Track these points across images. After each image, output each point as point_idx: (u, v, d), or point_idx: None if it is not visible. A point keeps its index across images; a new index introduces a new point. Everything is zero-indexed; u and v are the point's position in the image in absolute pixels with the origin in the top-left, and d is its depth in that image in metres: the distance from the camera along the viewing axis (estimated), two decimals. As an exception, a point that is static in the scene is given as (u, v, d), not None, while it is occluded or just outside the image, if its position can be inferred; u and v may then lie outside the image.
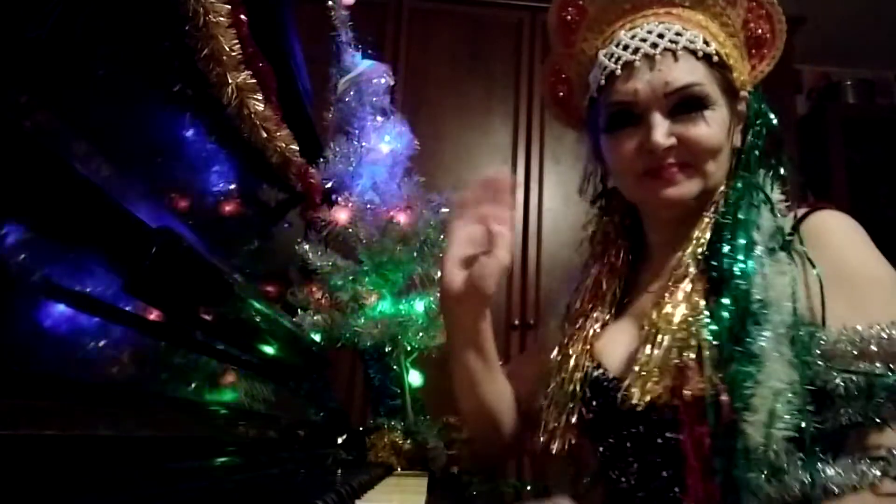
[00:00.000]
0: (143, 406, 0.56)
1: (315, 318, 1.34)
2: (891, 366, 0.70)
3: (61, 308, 0.50)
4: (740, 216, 0.82)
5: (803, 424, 0.70)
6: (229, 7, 0.91)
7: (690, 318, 0.77)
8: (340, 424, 1.40)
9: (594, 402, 0.85)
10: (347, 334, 1.34)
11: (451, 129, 2.56)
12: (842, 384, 0.71)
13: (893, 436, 0.71)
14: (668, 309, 0.79)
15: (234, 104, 0.97)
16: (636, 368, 0.77)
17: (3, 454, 0.36)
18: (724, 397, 0.71)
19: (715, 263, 0.80)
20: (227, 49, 0.91)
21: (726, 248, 0.80)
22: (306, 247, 1.37)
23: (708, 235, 0.84)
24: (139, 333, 0.62)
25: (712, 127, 0.82)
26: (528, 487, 1.80)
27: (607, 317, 0.91)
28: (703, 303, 0.78)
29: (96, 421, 0.46)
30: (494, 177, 0.86)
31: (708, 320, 0.76)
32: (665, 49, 0.81)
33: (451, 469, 1.31)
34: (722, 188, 0.87)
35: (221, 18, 0.89)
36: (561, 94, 1.02)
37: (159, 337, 0.67)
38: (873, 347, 0.71)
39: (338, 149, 1.44)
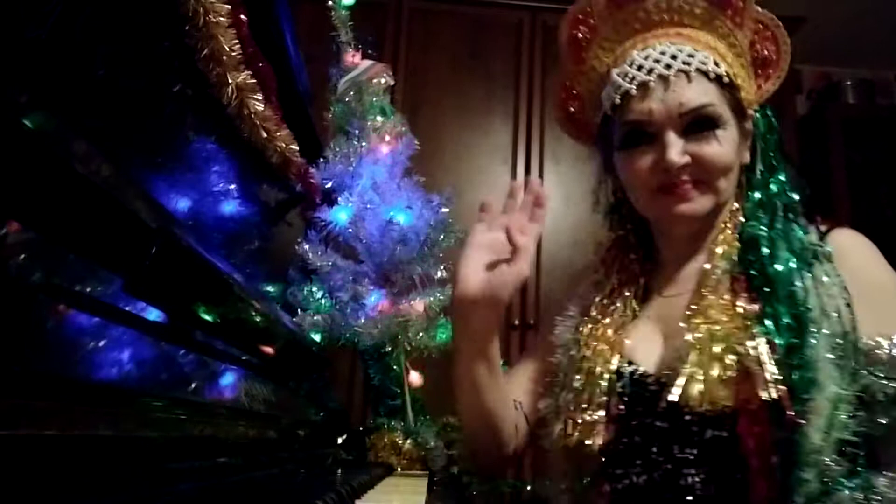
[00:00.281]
0: (143, 406, 0.56)
1: (315, 318, 1.34)
2: None
3: (61, 308, 0.50)
4: (777, 226, 0.86)
5: (856, 431, 0.74)
6: (229, 7, 0.91)
7: (741, 326, 0.79)
8: (340, 424, 1.40)
9: (625, 399, 0.85)
10: (347, 334, 1.34)
11: (451, 129, 2.56)
12: (883, 391, 0.75)
13: None
14: (712, 315, 0.81)
15: (234, 104, 0.97)
16: (687, 370, 0.79)
17: (3, 454, 0.36)
18: (787, 402, 0.73)
19: (762, 276, 0.82)
20: (227, 49, 0.91)
21: (772, 258, 0.83)
22: (306, 247, 1.37)
23: (732, 248, 0.87)
24: (139, 333, 0.62)
25: (724, 145, 0.85)
26: (528, 487, 1.80)
27: (629, 319, 0.93)
28: (749, 309, 0.80)
29: (96, 421, 0.46)
30: (530, 187, 0.86)
31: (764, 328, 0.78)
32: (679, 70, 0.84)
33: (451, 469, 1.31)
34: (734, 203, 0.91)
35: (221, 18, 0.89)
36: (571, 109, 1.05)
37: (159, 337, 0.66)
38: None
39: (338, 149, 1.44)
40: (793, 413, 0.73)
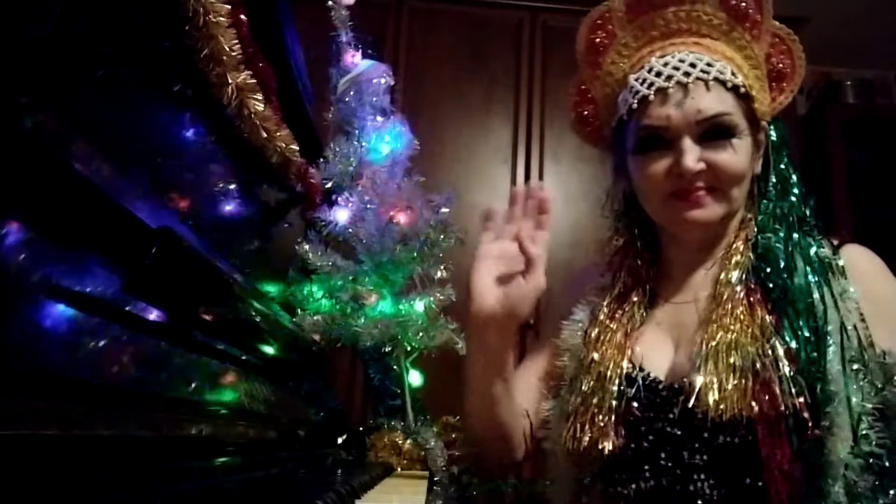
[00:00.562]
0: (143, 406, 0.56)
1: (315, 318, 1.34)
2: None
3: (61, 308, 0.50)
4: (794, 238, 0.88)
5: (880, 444, 0.75)
6: (229, 7, 0.91)
7: (758, 336, 0.80)
8: (340, 424, 1.40)
9: (636, 404, 0.86)
10: (347, 334, 1.34)
11: (451, 129, 2.56)
12: None
13: None
14: (729, 324, 0.82)
15: (234, 104, 0.97)
16: (702, 379, 0.79)
17: (3, 454, 0.36)
18: (806, 414, 0.74)
19: (779, 289, 0.83)
20: (227, 49, 0.91)
21: (789, 271, 0.84)
22: (306, 247, 1.37)
23: (745, 258, 0.88)
24: (139, 333, 0.62)
25: (739, 154, 0.86)
26: (529, 487, 1.80)
27: (637, 323, 0.93)
28: (767, 320, 0.81)
29: (96, 421, 0.46)
30: (533, 192, 0.85)
31: (783, 340, 0.79)
32: (697, 78, 0.85)
33: (451, 469, 1.31)
34: (746, 212, 0.92)
35: (221, 18, 0.89)
36: (585, 112, 1.05)
37: (159, 337, 0.66)
38: None
39: (338, 149, 1.44)
40: (812, 426, 0.74)
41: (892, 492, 0.75)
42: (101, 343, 0.54)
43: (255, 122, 1.02)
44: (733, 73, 0.87)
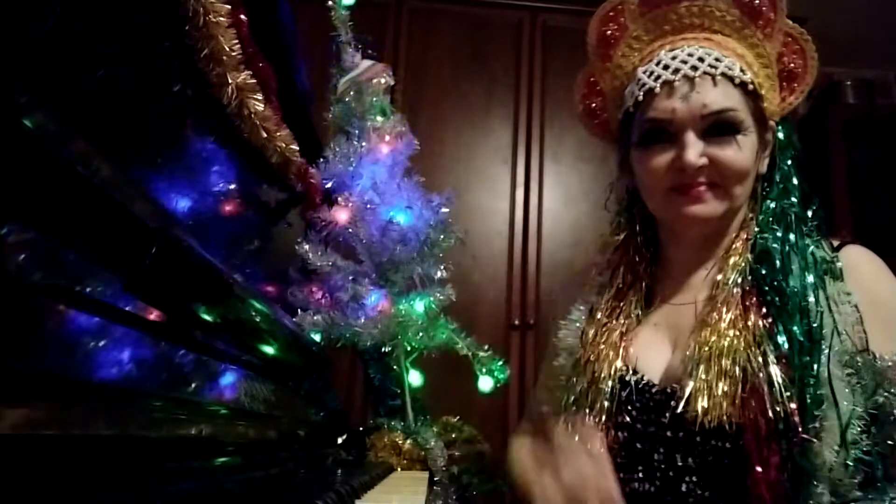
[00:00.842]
0: (143, 406, 0.56)
1: (315, 318, 1.34)
2: None
3: (61, 308, 0.50)
4: (791, 239, 0.86)
5: (869, 448, 0.74)
6: (229, 7, 0.91)
7: (751, 341, 0.79)
8: (340, 424, 1.40)
9: (628, 406, 0.85)
10: (347, 334, 1.34)
11: (451, 129, 2.56)
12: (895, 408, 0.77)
13: None
14: (722, 328, 0.81)
15: (234, 104, 0.97)
16: (692, 384, 0.79)
17: (3, 454, 0.36)
18: (796, 419, 0.74)
19: (775, 290, 0.82)
20: (227, 49, 0.91)
21: (784, 273, 0.83)
22: (306, 247, 1.37)
23: (744, 258, 0.87)
24: (139, 333, 0.62)
25: (743, 151, 0.85)
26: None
27: (633, 323, 0.93)
28: (760, 324, 0.80)
29: (96, 421, 0.46)
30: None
31: (776, 344, 0.78)
32: (704, 72, 0.84)
33: (451, 469, 1.31)
34: (748, 212, 0.91)
35: (221, 18, 0.89)
36: (593, 105, 1.05)
37: (159, 337, 0.66)
38: None
39: (338, 149, 1.44)
40: (801, 432, 0.73)
41: (880, 489, 0.75)
42: (101, 343, 0.54)
43: (255, 122, 1.02)
44: (742, 70, 0.86)
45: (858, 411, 0.75)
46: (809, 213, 0.91)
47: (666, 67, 0.86)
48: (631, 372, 0.88)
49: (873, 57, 3.24)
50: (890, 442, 0.77)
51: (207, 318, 0.75)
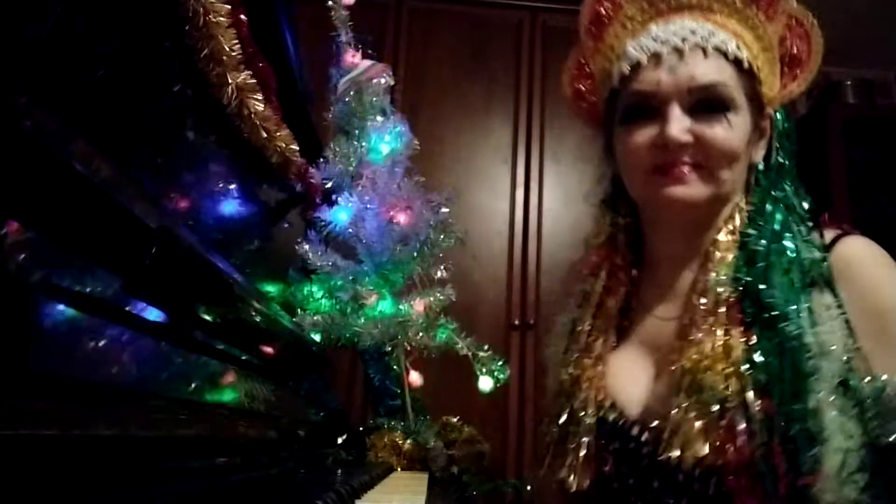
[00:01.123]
0: (143, 406, 0.56)
1: (315, 318, 1.34)
2: None
3: (61, 308, 0.50)
4: (785, 243, 0.77)
5: (869, 489, 0.67)
6: (229, 7, 0.91)
7: (732, 368, 0.70)
8: (340, 424, 1.40)
9: (609, 446, 0.80)
10: (347, 334, 1.34)
11: (451, 129, 2.56)
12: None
13: None
14: (702, 350, 0.73)
15: (234, 104, 0.97)
16: (672, 420, 0.71)
17: (3, 454, 0.36)
18: (778, 461, 0.66)
19: (755, 301, 0.73)
20: (227, 49, 0.91)
21: (766, 284, 0.74)
22: (306, 247, 1.37)
23: (731, 257, 0.79)
24: (139, 333, 0.62)
25: (734, 131, 0.78)
26: (529, 487, 1.80)
27: (613, 339, 0.86)
28: (741, 345, 0.71)
29: (96, 421, 0.46)
30: None
31: (754, 371, 0.69)
32: (696, 44, 0.78)
33: (451, 469, 1.31)
34: (739, 203, 0.83)
35: (221, 18, 0.89)
36: (582, 87, 0.98)
37: (159, 337, 0.66)
38: None
39: (338, 149, 1.44)
40: (789, 473, 0.66)
41: None
42: (101, 343, 0.54)
43: (255, 122, 1.03)
44: (738, 47, 0.79)
45: (857, 444, 0.67)
46: (805, 204, 0.83)
47: (655, 39, 0.80)
48: (608, 406, 0.82)
49: (873, 57, 3.24)
50: None
51: (207, 317, 0.75)
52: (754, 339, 0.71)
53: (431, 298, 1.37)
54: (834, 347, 0.70)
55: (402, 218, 1.37)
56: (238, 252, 1.12)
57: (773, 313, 0.71)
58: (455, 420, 1.40)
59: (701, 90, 0.78)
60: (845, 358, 0.70)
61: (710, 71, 0.78)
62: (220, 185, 1.04)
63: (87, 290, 0.56)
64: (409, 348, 1.39)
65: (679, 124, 0.77)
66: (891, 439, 0.68)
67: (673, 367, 0.75)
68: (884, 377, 0.69)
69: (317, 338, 1.34)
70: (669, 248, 0.87)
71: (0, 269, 0.45)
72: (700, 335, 0.74)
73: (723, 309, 0.75)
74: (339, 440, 1.35)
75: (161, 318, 0.66)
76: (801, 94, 0.90)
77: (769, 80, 0.84)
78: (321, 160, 1.42)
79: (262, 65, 1.06)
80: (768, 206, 0.81)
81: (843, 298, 0.74)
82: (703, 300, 0.77)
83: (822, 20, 0.94)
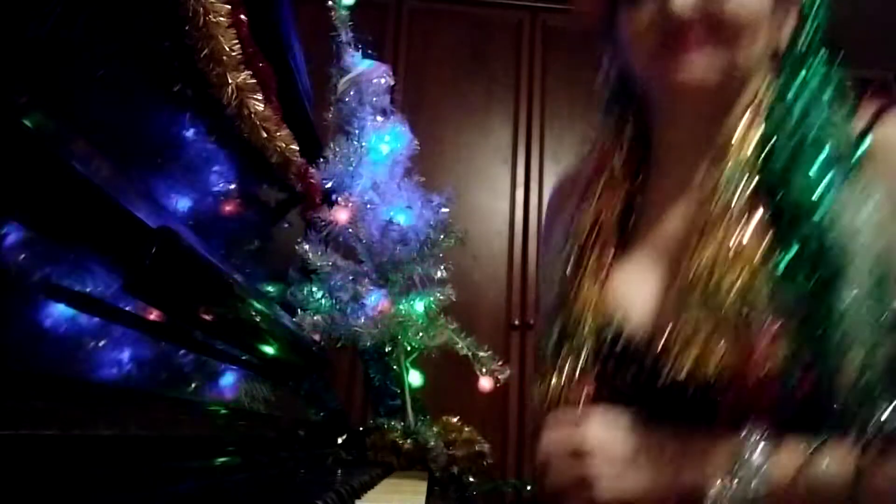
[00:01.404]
0: (143, 406, 0.56)
1: (315, 318, 1.34)
2: None
3: (61, 308, 0.50)
4: (813, 122, 0.65)
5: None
6: (229, 7, 0.91)
7: (752, 269, 0.61)
8: (340, 424, 1.40)
9: (609, 365, 0.70)
10: (347, 334, 1.34)
11: (451, 129, 2.56)
12: None
13: None
14: (719, 249, 0.64)
15: (234, 104, 0.97)
16: (684, 329, 0.62)
17: (3, 454, 0.36)
18: (802, 373, 0.57)
19: (778, 193, 0.64)
20: (227, 49, 0.91)
21: (790, 172, 0.64)
22: (306, 247, 1.37)
23: (751, 147, 0.68)
24: (139, 333, 0.62)
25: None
26: (529, 487, 1.80)
27: (612, 249, 0.76)
28: (763, 243, 0.62)
29: (96, 421, 0.46)
30: None
31: (776, 272, 0.60)
32: None
33: (451, 469, 1.31)
34: (762, 86, 0.71)
35: (221, 18, 0.89)
36: None
37: (159, 337, 0.67)
38: None
39: (338, 149, 1.44)
40: (810, 384, 0.57)
41: None
42: (101, 343, 0.54)
43: (255, 122, 1.03)
44: None
45: (889, 354, 0.57)
46: (841, 79, 0.69)
47: None
48: (611, 322, 0.72)
49: (873, 57, 3.24)
50: None
51: (207, 317, 0.75)
52: (777, 236, 0.63)
53: (431, 298, 1.37)
54: (866, 241, 0.60)
55: (402, 218, 1.37)
56: (238, 252, 1.12)
57: (798, 206, 0.63)
58: (455, 420, 1.40)
59: None
60: (880, 256, 0.60)
61: None
62: (220, 185, 1.04)
63: (87, 290, 0.56)
64: (409, 348, 1.39)
65: None
66: None
67: (685, 272, 0.65)
68: None
69: (317, 338, 1.34)
70: (680, 134, 0.77)
71: (0, 269, 0.45)
72: (717, 233, 0.65)
73: (742, 204, 0.66)
74: (339, 440, 1.35)
75: (161, 318, 0.66)
76: None
77: None
78: (321, 160, 1.42)
79: (262, 65, 1.06)
80: (795, 83, 0.70)
81: (884, 187, 0.63)
82: (719, 195, 0.67)
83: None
